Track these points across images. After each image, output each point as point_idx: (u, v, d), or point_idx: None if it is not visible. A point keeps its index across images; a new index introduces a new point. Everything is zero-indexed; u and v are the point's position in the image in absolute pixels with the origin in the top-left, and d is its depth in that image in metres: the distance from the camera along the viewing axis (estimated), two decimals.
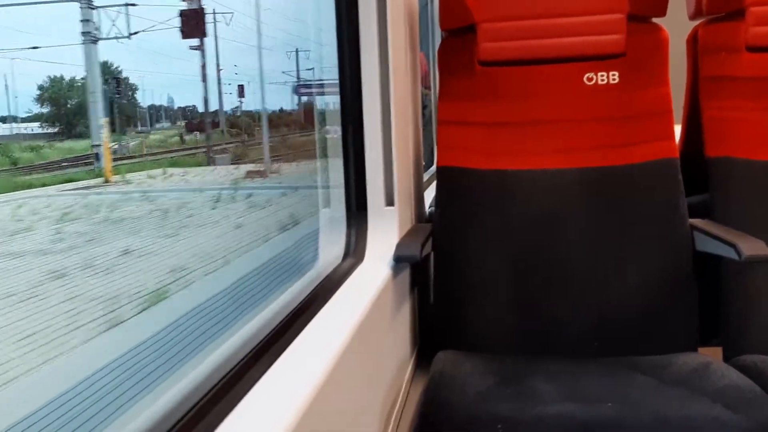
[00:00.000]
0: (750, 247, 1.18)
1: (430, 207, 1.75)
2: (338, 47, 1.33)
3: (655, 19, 1.43)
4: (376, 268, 1.25)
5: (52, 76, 24.33)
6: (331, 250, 1.31)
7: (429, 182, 2.07)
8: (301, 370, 0.82)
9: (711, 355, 1.29)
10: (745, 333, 1.35)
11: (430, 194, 1.76)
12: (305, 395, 0.74)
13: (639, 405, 1.05)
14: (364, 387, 1.06)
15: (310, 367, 0.82)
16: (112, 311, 4.31)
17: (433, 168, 2.08)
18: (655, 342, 1.33)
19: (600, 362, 1.25)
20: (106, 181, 10.92)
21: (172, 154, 17.19)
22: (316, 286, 1.14)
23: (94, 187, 10.43)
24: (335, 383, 0.84)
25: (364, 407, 1.05)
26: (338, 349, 0.88)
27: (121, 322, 4.08)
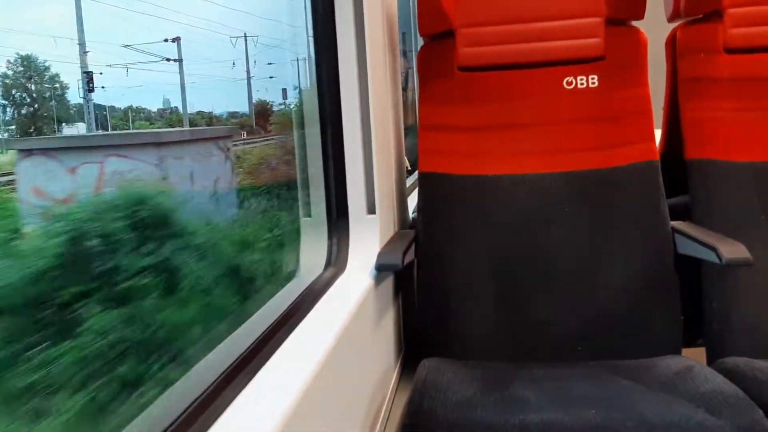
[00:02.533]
0: (730, 250, 1.19)
1: (413, 212, 1.75)
2: (315, 53, 1.31)
3: (633, 22, 1.44)
4: (358, 277, 1.24)
5: None
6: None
7: (413, 187, 2.06)
8: (283, 381, 0.82)
9: (695, 356, 1.29)
10: (728, 335, 1.36)
11: (414, 199, 1.76)
12: (287, 406, 0.73)
13: (622, 410, 1.05)
14: (348, 396, 1.05)
15: (292, 378, 0.81)
16: None
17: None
18: (639, 344, 1.33)
19: (584, 366, 1.25)
20: None
21: None
22: (298, 296, 1.13)
23: None
24: (318, 393, 0.83)
25: (348, 417, 1.04)
26: (320, 360, 0.87)
27: None
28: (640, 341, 1.34)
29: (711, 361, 1.33)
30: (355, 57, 1.28)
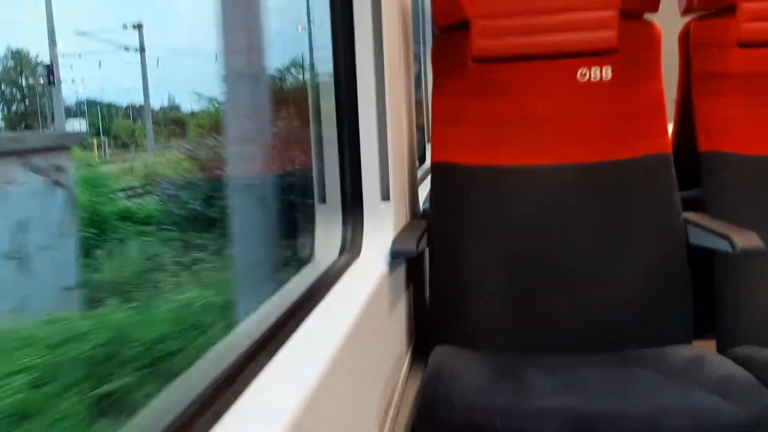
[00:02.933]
0: (743, 239, 1.19)
1: (424, 203, 1.75)
2: (333, 43, 1.32)
3: (647, 15, 1.44)
4: (372, 263, 1.24)
5: None
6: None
7: (422, 178, 2.07)
8: (298, 366, 0.82)
9: (705, 347, 1.30)
10: (739, 324, 1.36)
11: (423, 190, 1.76)
12: (303, 391, 0.74)
13: (636, 397, 1.06)
14: (362, 382, 1.05)
15: (308, 363, 0.82)
16: None
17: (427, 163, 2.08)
18: (651, 335, 1.34)
19: (596, 356, 1.25)
20: None
21: None
22: (313, 282, 1.13)
23: None
24: (333, 379, 0.83)
25: (362, 402, 1.05)
26: (335, 345, 0.87)
27: None
28: (652, 332, 1.34)
29: (722, 351, 1.34)
30: (372, 50, 1.28)
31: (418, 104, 2.90)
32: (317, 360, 0.82)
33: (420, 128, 2.81)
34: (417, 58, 2.98)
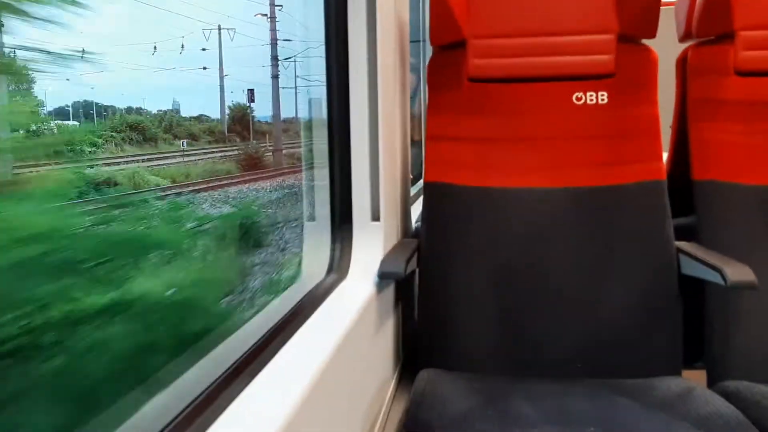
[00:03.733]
0: (735, 272, 1.18)
1: (416, 222, 1.74)
2: (326, 60, 1.31)
3: (644, 41, 1.43)
4: (359, 284, 1.23)
5: None
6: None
7: (417, 196, 2.06)
8: (280, 387, 0.81)
9: (695, 377, 1.28)
10: (729, 358, 1.35)
11: (417, 208, 1.75)
12: (284, 413, 0.73)
13: (621, 430, 1.04)
14: (345, 405, 1.04)
15: (290, 384, 0.81)
16: None
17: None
18: (639, 363, 1.32)
19: (583, 384, 1.24)
20: None
21: None
22: (299, 301, 1.12)
23: None
24: (315, 401, 0.82)
25: (345, 425, 1.03)
26: (318, 367, 0.86)
27: None
28: (641, 360, 1.33)
29: (711, 384, 1.32)
30: (366, 68, 1.28)
31: (418, 119, 2.89)
32: (299, 381, 0.81)
33: (418, 143, 2.80)
34: (416, 71, 2.99)
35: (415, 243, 1.44)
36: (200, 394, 0.78)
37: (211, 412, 0.73)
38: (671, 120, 1.61)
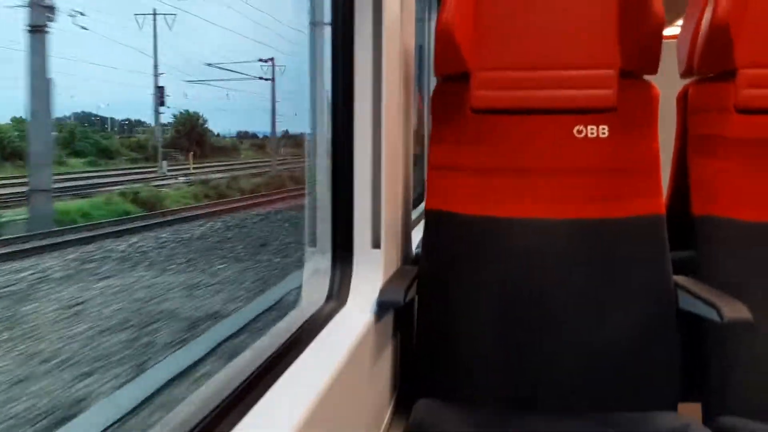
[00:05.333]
0: (731, 309, 1.18)
1: (417, 248, 1.75)
2: (332, 86, 1.33)
3: (646, 76, 1.45)
4: (358, 312, 1.24)
5: None
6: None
7: (417, 221, 2.07)
8: (277, 416, 0.81)
9: (691, 412, 1.28)
10: (726, 394, 1.34)
11: (418, 232, 1.76)
12: None
13: None
14: None
15: (287, 413, 0.81)
16: None
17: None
18: (636, 397, 1.32)
19: (579, 418, 1.24)
20: None
21: None
22: (297, 329, 1.13)
23: None
24: (312, 430, 0.82)
25: None
26: (315, 396, 0.87)
27: None
28: (637, 394, 1.33)
29: (707, 419, 1.32)
30: (370, 95, 1.29)
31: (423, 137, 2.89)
32: (296, 410, 0.82)
33: (420, 160, 2.80)
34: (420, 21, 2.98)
35: (415, 270, 1.44)
36: (200, 422, 0.79)
37: None
38: (670, 154, 1.62)
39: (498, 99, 1.44)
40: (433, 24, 2.14)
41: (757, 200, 1.43)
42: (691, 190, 1.48)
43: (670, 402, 1.32)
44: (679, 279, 1.37)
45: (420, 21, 2.83)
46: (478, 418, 1.20)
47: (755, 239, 1.41)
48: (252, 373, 0.93)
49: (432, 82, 2.50)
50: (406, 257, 1.63)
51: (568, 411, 1.28)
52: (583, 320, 1.36)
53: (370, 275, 1.32)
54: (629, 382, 1.34)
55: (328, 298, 1.27)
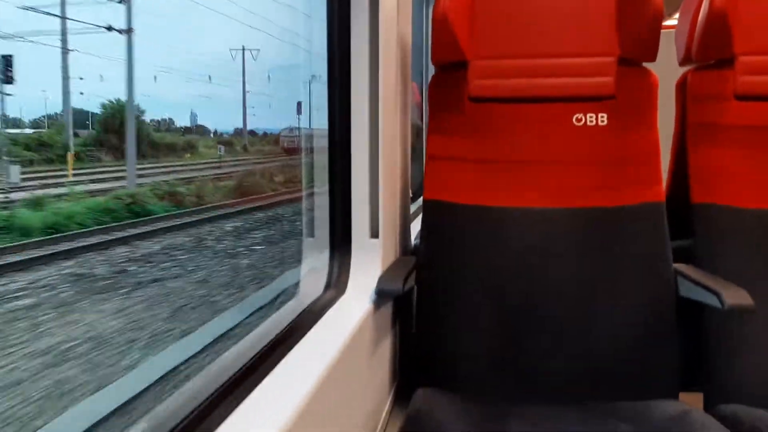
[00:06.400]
0: (733, 295, 1.18)
1: (416, 239, 1.75)
2: (329, 78, 1.33)
3: (645, 64, 1.45)
4: (357, 301, 1.24)
5: None
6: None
7: (416, 213, 2.06)
8: (275, 404, 0.81)
9: (692, 401, 1.28)
10: (727, 381, 1.34)
11: (417, 224, 1.76)
12: (278, 431, 0.73)
13: None
14: (340, 422, 1.03)
15: (285, 401, 0.81)
16: None
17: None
18: (636, 386, 1.32)
19: (579, 407, 1.23)
20: None
21: None
22: (296, 317, 1.12)
23: None
24: (310, 418, 0.82)
25: None
26: (314, 384, 0.86)
27: None
28: (638, 383, 1.32)
29: (708, 407, 1.32)
30: (367, 85, 1.29)
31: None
32: (294, 398, 0.81)
33: (419, 153, 2.80)
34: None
35: (414, 260, 1.44)
36: (195, 408, 0.79)
37: (206, 426, 0.73)
38: (670, 142, 1.62)
39: (496, 88, 1.44)
40: (430, 12, 2.14)
41: (756, 187, 1.43)
42: (690, 178, 1.48)
43: (671, 391, 1.32)
44: (680, 266, 1.36)
45: (417, 10, 2.83)
46: (477, 407, 1.20)
47: (755, 226, 1.41)
48: (250, 360, 0.93)
49: (430, 72, 2.50)
50: (405, 248, 1.63)
51: (568, 400, 1.28)
52: (582, 308, 1.35)
53: (369, 265, 1.32)
54: (629, 370, 1.33)
55: (327, 287, 1.27)
